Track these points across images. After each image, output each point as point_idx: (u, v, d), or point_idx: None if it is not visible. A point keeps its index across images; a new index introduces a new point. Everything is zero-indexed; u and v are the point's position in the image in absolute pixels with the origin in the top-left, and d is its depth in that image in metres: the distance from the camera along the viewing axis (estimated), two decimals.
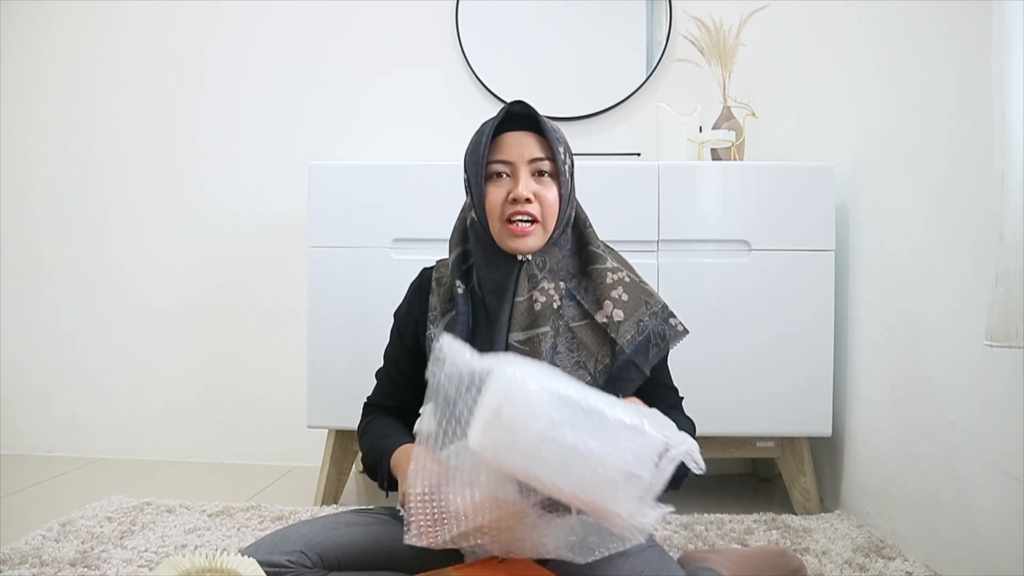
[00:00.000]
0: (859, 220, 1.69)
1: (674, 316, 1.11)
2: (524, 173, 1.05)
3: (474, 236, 1.11)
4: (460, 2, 2.19)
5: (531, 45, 2.21)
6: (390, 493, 1.07)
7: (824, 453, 1.82)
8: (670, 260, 1.69)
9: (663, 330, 1.09)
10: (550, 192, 1.06)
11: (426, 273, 1.19)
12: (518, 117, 1.07)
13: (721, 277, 1.68)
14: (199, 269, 2.26)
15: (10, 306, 2.31)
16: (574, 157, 1.13)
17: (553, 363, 1.05)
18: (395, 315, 1.20)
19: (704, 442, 1.77)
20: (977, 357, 1.23)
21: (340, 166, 1.74)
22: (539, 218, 1.05)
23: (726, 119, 1.89)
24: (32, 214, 2.30)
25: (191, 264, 2.26)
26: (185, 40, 2.27)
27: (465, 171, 1.11)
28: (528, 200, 1.04)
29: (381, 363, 1.21)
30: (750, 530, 1.54)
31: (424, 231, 1.70)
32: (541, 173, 1.06)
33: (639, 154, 2.04)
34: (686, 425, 1.09)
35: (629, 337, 1.06)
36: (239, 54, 2.25)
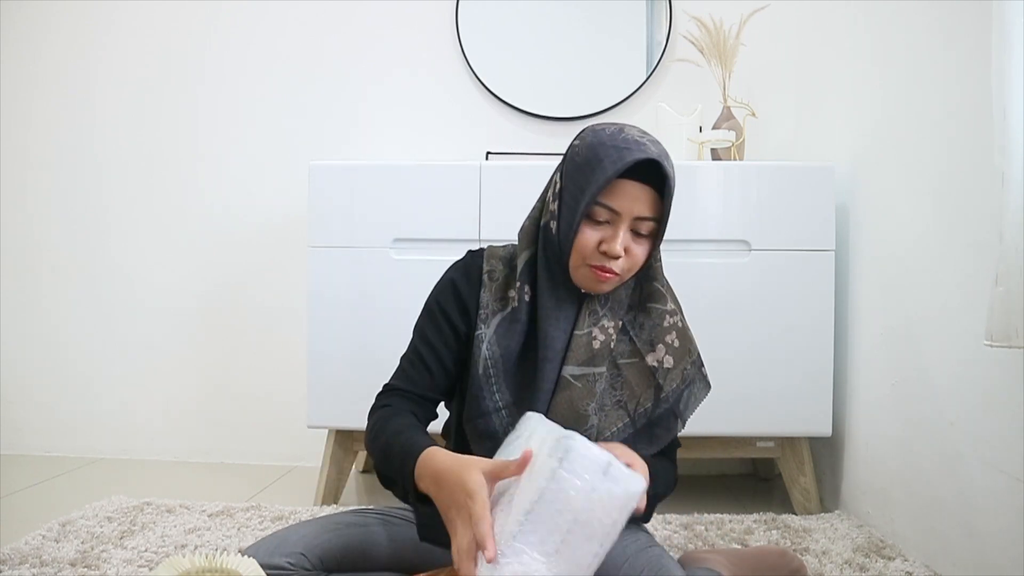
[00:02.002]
0: (859, 220, 1.69)
1: (704, 366, 1.07)
2: (624, 228, 0.96)
3: (545, 242, 1.02)
4: (460, 2, 2.19)
5: (531, 45, 2.21)
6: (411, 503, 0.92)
7: (824, 453, 1.82)
8: (670, 260, 1.64)
9: (698, 379, 1.06)
10: (641, 250, 0.99)
11: (474, 261, 1.08)
12: (643, 163, 0.94)
13: (721, 277, 1.68)
14: (199, 269, 2.26)
15: (10, 306, 2.30)
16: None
17: (600, 400, 1.01)
18: (438, 294, 1.07)
19: (704, 442, 1.79)
20: (977, 357, 1.23)
21: (340, 166, 1.74)
22: (620, 272, 0.98)
23: (726, 119, 1.89)
24: (32, 214, 2.30)
25: (191, 264, 2.26)
26: (185, 40, 2.27)
27: (562, 179, 1.00)
28: (618, 257, 0.96)
29: (407, 346, 1.08)
30: (750, 530, 1.54)
31: (424, 231, 1.69)
32: (640, 231, 0.98)
33: None
34: (669, 476, 1.07)
35: (675, 386, 1.03)
36: (239, 54, 2.25)
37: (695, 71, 2.01)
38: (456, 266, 1.09)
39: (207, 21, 2.26)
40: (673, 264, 1.67)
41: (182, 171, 2.27)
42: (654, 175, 0.95)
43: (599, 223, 0.97)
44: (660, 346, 1.03)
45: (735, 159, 1.84)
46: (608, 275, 0.97)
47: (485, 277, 1.05)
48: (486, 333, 1.01)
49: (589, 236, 0.97)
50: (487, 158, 1.97)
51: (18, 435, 2.28)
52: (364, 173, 1.73)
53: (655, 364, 1.02)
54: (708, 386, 1.07)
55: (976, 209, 1.26)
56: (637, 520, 1.04)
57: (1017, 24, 1.03)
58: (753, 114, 1.91)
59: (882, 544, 1.45)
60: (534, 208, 1.07)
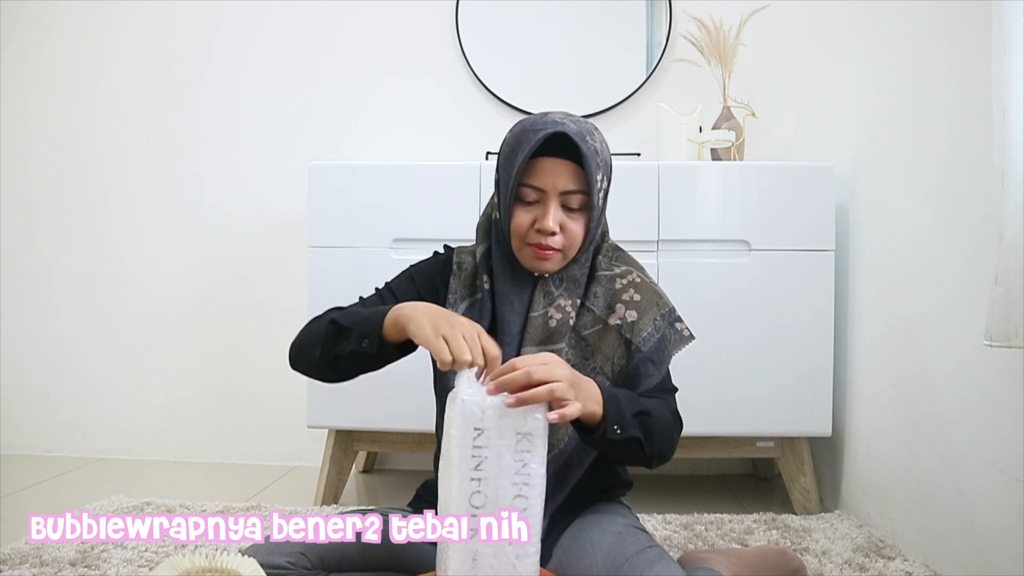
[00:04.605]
0: (859, 220, 1.69)
1: (680, 320, 1.09)
2: (554, 204, 1.01)
3: (495, 236, 1.09)
4: (460, 3, 2.19)
5: (531, 45, 2.21)
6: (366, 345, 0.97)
7: (824, 453, 1.82)
8: (670, 260, 1.69)
9: (670, 333, 1.08)
10: (577, 225, 1.03)
11: (448, 255, 1.16)
12: (560, 140, 1.00)
13: (721, 277, 1.68)
14: (199, 268, 2.26)
15: (10, 306, 2.30)
16: (612, 175, 1.08)
17: None
18: (416, 268, 1.17)
19: (704, 442, 1.78)
20: (977, 357, 1.23)
21: (340, 166, 1.74)
22: (561, 248, 1.03)
23: (726, 119, 1.89)
24: (33, 214, 2.30)
25: (191, 263, 2.26)
26: (186, 40, 2.27)
27: (497, 172, 1.08)
28: (553, 233, 1.01)
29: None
30: (750, 530, 1.54)
31: (424, 231, 1.69)
32: (571, 206, 1.02)
33: (639, 154, 2.04)
34: (661, 409, 1.03)
35: (645, 335, 1.05)
36: (240, 54, 2.25)
37: (695, 71, 2.00)
38: (433, 256, 1.18)
39: (208, 21, 2.26)
40: (673, 264, 1.69)
41: (182, 171, 2.27)
42: (575, 151, 0.99)
43: (530, 203, 1.03)
44: (619, 305, 1.07)
45: (735, 159, 1.84)
46: (547, 252, 1.02)
47: (455, 267, 1.12)
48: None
49: (522, 217, 1.03)
50: (487, 158, 1.97)
51: (18, 435, 2.28)
52: (364, 173, 1.73)
53: (618, 322, 1.06)
54: (686, 338, 1.09)
55: (976, 209, 1.26)
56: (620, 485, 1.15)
57: (1017, 24, 1.03)
58: (753, 114, 1.91)
59: (882, 544, 1.45)
60: (487, 205, 1.13)
